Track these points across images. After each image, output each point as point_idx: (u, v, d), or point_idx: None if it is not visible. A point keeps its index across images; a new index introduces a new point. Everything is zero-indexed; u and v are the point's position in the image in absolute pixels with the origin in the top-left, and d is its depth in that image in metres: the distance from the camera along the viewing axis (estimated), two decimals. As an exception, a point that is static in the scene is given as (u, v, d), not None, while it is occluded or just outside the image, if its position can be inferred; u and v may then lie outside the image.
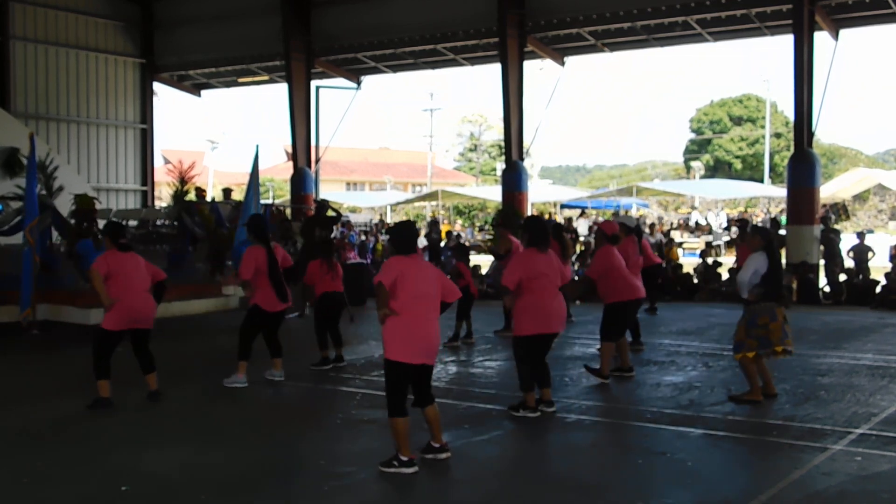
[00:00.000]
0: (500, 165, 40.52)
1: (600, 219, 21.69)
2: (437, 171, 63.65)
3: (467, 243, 18.10)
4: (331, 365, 9.60)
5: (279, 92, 54.15)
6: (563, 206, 37.37)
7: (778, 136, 55.28)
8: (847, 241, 18.20)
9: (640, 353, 10.27)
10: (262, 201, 16.86)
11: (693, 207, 39.11)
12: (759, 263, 7.71)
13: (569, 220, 26.34)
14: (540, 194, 37.62)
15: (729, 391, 8.08)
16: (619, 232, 9.43)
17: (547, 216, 28.48)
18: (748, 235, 8.61)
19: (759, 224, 24.01)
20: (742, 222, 19.42)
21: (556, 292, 7.34)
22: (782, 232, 17.86)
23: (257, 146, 13.60)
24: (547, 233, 7.59)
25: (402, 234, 6.03)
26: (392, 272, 5.75)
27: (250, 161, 13.56)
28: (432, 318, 5.88)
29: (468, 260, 12.00)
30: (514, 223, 14.72)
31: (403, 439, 5.71)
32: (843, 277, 16.63)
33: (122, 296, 7.59)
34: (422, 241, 23.75)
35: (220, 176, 47.04)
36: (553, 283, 7.30)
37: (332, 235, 16.99)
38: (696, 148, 61.26)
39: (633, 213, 34.36)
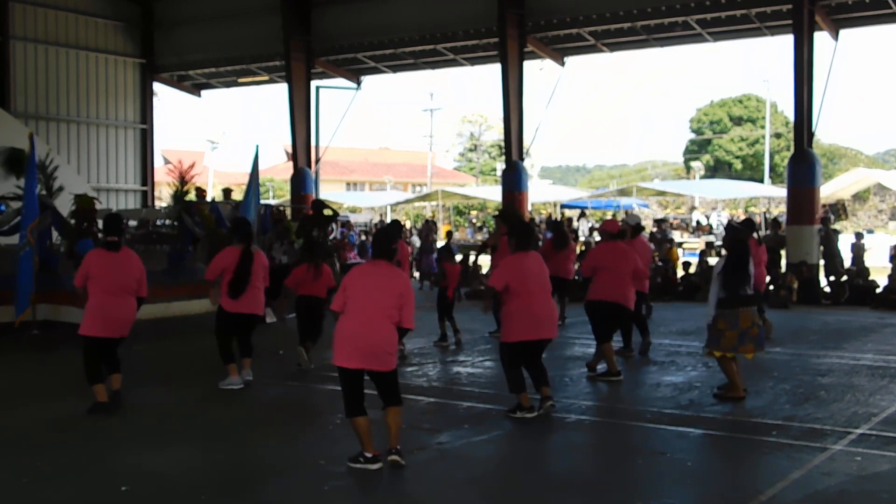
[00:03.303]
0: (500, 165, 40.56)
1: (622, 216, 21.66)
2: (437, 171, 63.63)
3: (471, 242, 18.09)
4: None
5: (279, 92, 54.19)
6: (563, 207, 37.33)
7: (778, 136, 55.28)
8: (846, 241, 18.24)
9: (629, 359, 10.01)
10: (262, 201, 16.86)
11: (693, 207, 39.09)
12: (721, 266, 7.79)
13: (569, 220, 26.31)
14: (540, 194, 37.61)
15: (713, 390, 8.10)
16: (624, 228, 9.51)
17: (546, 215, 28.47)
18: (725, 236, 8.58)
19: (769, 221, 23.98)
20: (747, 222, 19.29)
21: (547, 296, 7.25)
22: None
23: (257, 146, 13.62)
24: (533, 234, 7.60)
25: (378, 236, 6.15)
26: (350, 276, 5.88)
27: (250, 161, 13.57)
28: (377, 323, 5.71)
29: (453, 260, 11.96)
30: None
31: (364, 437, 5.74)
32: (843, 277, 16.62)
33: (98, 301, 7.31)
34: (417, 242, 23.79)
35: (220, 176, 47.02)
36: (543, 286, 7.22)
37: (332, 236, 16.99)
38: (696, 148, 61.24)
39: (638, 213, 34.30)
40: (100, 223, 13.51)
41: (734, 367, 7.77)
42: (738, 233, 8.27)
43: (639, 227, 10.77)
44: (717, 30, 19.91)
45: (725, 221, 32.19)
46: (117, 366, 7.67)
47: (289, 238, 14.23)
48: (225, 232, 13.61)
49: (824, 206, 21.80)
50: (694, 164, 51.10)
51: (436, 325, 11.24)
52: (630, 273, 8.98)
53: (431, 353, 10.53)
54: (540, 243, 13.78)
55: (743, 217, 28.76)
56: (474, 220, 42.24)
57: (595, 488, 5.54)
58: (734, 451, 6.40)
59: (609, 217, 18.05)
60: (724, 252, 8.29)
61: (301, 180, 23.41)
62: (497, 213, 16.70)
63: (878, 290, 15.71)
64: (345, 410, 5.81)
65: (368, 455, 5.74)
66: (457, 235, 33.33)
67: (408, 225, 33.52)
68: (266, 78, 26.76)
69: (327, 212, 15.06)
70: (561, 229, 13.28)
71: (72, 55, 24.39)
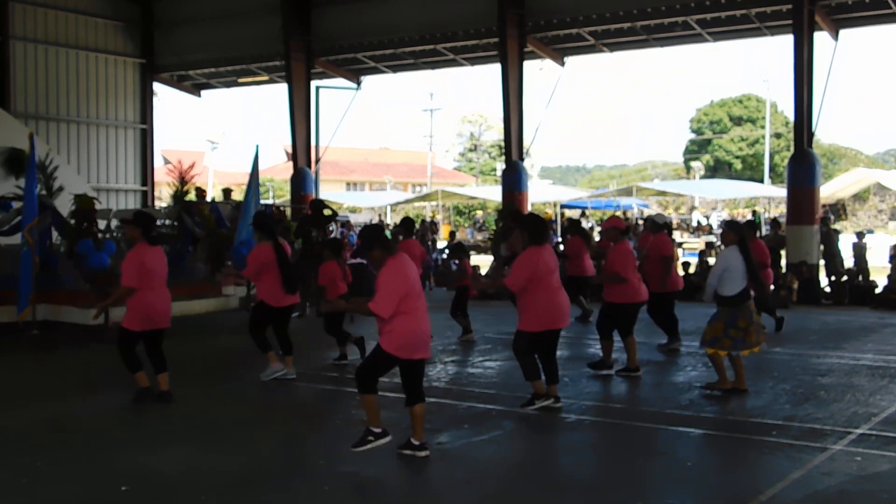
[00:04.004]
0: (500, 165, 40.56)
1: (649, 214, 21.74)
2: (437, 171, 63.64)
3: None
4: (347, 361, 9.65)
5: (279, 92, 54.12)
6: (563, 207, 37.36)
7: (778, 136, 55.29)
8: (847, 241, 18.23)
9: (676, 352, 10.38)
10: (262, 201, 16.86)
11: (693, 207, 39.12)
12: (730, 260, 7.85)
13: (569, 220, 26.33)
14: (540, 194, 37.61)
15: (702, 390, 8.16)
16: (628, 224, 9.54)
17: (546, 216, 28.47)
18: (723, 231, 8.65)
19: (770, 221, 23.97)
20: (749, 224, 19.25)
21: (560, 286, 7.37)
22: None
23: (257, 146, 13.60)
24: (546, 228, 7.60)
25: (374, 234, 6.07)
26: (400, 276, 5.82)
27: (250, 161, 13.56)
28: (427, 316, 6.01)
29: (469, 258, 12.19)
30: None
31: (376, 413, 5.85)
32: (843, 278, 16.62)
33: (145, 295, 7.52)
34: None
35: (220, 176, 47.02)
36: (557, 278, 7.34)
37: (332, 236, 16.97)
38: (696, 148, 61.27)
39: (635, 213, 34.33)
40: (100, 223, 13.58)
41: (723, 362, 7.96)
42: (742, 228, 8.41)
43: (665, 226, 10.78)
44: (717, 30, 19.90)
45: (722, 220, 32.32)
46: (164, 364, 7.84)
47: (288, 238, 14.22)
48: (225, 232, 13.62)
49: (824, 206, 21.84)
50: (694, 164, 51.15)
51: (439, 327, 11.23)
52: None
53: (432, 353, 10.51)
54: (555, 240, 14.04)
55: (746, 217, 28.81)
56: (480, 220, 42.25)
57: (595, 488, 5.54)
58: (734, 451, 6.40)
59: (610, 215, 18.10)
60: (722, 248, 8.36)
61: (301, 180, 23.40)
62: (498, 211, 16.79)
63: (878, 290, 15.71)
64: (363, 386, 5.85)
65: (377, 430, 5.83)
66: (457, 236, 33.34)
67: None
68: (266, 78, 26.75)
69: (326, 212, 15.05)
70: (584, 229, 13.60)
71: (72, 55, 24.38)
